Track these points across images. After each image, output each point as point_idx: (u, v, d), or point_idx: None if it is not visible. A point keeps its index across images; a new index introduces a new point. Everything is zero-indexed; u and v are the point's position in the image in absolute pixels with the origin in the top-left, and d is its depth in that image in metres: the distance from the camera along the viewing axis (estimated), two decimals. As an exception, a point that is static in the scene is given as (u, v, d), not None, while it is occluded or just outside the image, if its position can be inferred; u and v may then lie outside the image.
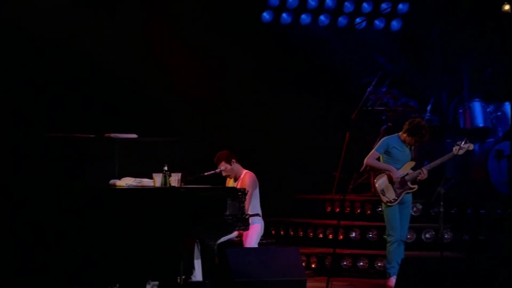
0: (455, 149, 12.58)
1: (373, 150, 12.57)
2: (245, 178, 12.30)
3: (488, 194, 15.09)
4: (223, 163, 12.32)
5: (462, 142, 12.57)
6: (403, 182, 12.39)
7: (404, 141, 12.50)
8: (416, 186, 12.44)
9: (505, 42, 16.56)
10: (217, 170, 12.36)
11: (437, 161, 12.58)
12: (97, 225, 11.15)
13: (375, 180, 12.53)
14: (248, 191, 11.78)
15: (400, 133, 12.55)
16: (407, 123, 12.55)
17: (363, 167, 12.94)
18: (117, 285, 11.40)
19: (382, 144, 12.56)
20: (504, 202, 14.72)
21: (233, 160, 12.35)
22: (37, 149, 12.17)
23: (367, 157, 12.57)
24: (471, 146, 12.65)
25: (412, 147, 12.59)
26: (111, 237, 11.15)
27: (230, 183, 12.42)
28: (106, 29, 15.06)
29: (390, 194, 12.39)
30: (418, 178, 12.40)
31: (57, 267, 11.42)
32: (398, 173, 12.38)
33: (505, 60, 16.22)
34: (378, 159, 12.56)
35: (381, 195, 12.41)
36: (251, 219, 11.77)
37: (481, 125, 15.88)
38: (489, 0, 16.65)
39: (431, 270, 11.00)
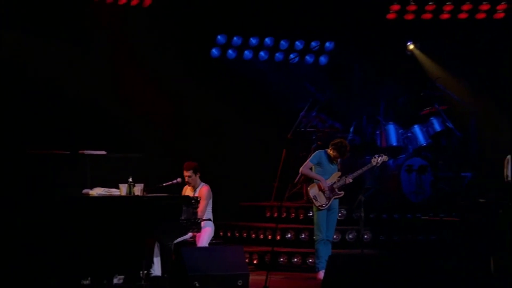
0: (373, 160, 12.77)
1: (307, 161, 12.68)
2: (202, 190, 12.26)
3: (400, 201, 15.20)
4: (191, 171, 12.27)
5: (378, 156, 12.78)
6: (332, 189, 12.51)
7: (330, 156, 12.64)
8: (343, 192, 12.56)
9: (412, 75, 16.86)
10: (174, 181, 12.33)
11: (359, 171, 12.74)
12: (72, 227, 11.04)
13: (308, 189, 12.63)
14: (201, 200, 11.81)
15: (327, 149, 12.69)
16: (332, 142, 12.69)
17: (297, 177, 13.00)
18: (89, 278, 11.30)
19: (315, 156, 12.68)
20: (413, 208, 14.87)
21: (198, 172, 12.34)
22: (22, 163, 12.06)
23: (302, 166, 12.68)
24: (386, 158, 12.84)
25: (338, 161, 12.73)
26: (84, 237, 11.05)
27: (186, 191, 12.38)
28: (79, 61, 14.99)
29: (322, 200, 12.48)
30: (345, 183, 12.54)
31: (37, 263, 11.28)
32: (326, 183, 12.51)
33: (413, 91, 16.46)
34: (311, 169, 12.67)
35: (314, 201, 12.50)
36: (203, 223, 11.79)
37: (394, 144, 15.98)
38: (397, 41, 16.87)
39: (353, 265, 11.05)
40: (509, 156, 13.36)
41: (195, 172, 12.24)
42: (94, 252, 11.22)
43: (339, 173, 12.62)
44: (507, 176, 13.31)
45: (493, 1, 16.63)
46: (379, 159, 12.76)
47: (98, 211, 11.06)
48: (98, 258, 11.30)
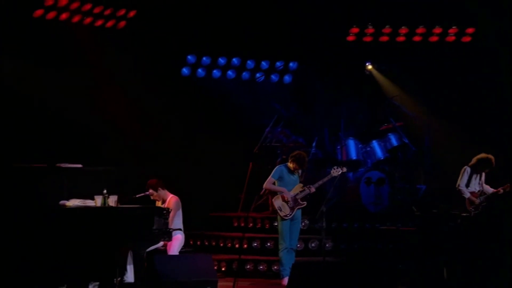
0: (333, 171, 12.81)
1: (269, 177, 12.66)
2: (171, 201, 12.22)
3: (360, 212, 15.24)
4: (151, 190, 12.25)
5: (338, 167, 12.82)
6: (295, 200, 12.51)
7: (291, 169, 12.65)
8: (305, 203, 12.58)
9: (370, 94, 16.96)
10: (147, 193, 12.28)
11: (320, 182, 12.77)
12: (49, 237, 10.95)
13: (273, 200, 12.62)
14: (172, 211, 11.76)
15: (288, 163, 12.70)
16: (291, 155, 12.71)
17: (262, 190, 13.00)
18: (65, 285, 11.20)
19: (276, 171, 12.68)
20: (372, 218, 14.91)
21: (159, 188, 12.28)
22: (1, 176, 11.96)
23: (265, 182, 12.66)
24: (345, 169, 12.89)
25: (299, 173, 12.72)
26: (61, 246, 10.96)
27: (158, 203, 12.35)
28: (57, 79, 14.92)
29: (286, 210, 12.48)
30: (310, 192, 12.54)
31: (14, 272, 11.16)
32: (289, 194, 12.52)
33: (372, 109, 16.55)
34: (274, 183, 12.66)
35: (279, 211, 12.49)
36: (174, 232, 11.73)
37: (354, 157, 16.05)
38: (357, 61, 16.97)
39: (316, 272, 11.07)
40: (467, 168, 13.43)
41: (155, 189, 12.21)
42: (70, 260, 11.11)
43: (301, 185, 12.64)
44: (458, 185, 13.40)
45: (445, 25, 16.81)
46: (339, 170, 12.81)
47: (74, 221, 10.96)
48: (74, 266, 11.19)
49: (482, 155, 13.44)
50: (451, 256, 12.48)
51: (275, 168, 12.76)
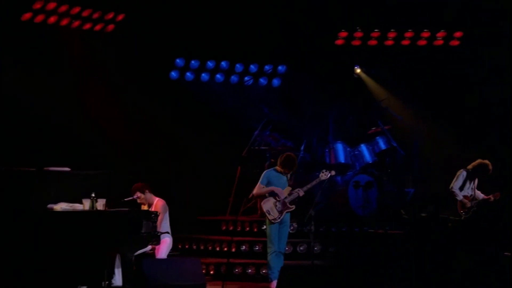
0: (322, 175, 12.81)
1: (258, 183, 12.63)
2: (158, 204, 12.22)
3: (348, 215, 15.24)
4: (137, 193, 12.25)
5: (326, 171, 12.84)
6: (284, 203, 12.52)
7: (280, 172, 12.64)
8: (294, 206, 12.57)
9: (359, 97, 17.01)
10: (135, 197, 12.27)
11: (309, 185, 12.76)
12: (37, 241, 10.94)
13: (261, 204, 12.61)
14: (160, 214, 11.76)
15: (276, 166, 12.69)
16: (280, 156, 12.70)
17: (251, 195, 12.98)
18: (53, 289, 11.22)
19: (264, 177, 12.65)
20: (360, 222, 14.93)
21: (146, 190, 12.28)
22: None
23: (255, 189, 12.61)
24: (333, 173, 12.89)
25: (288, 176, 12.72)
26: (49, 249, 10.95)
27: (144, 207, 12.34)
28: (45, 82, 14.91)
29: (274, 214, 12.47)
30: (299, 195, 12.55)
31: (3, 275, 11.14)
32: (279, 189, 12.49)
33: (360, 112, 16.59)
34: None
35: (267, 215, 12.48)
36: (162, 236, 11.74)
37: (342, 161, 16.05)
38: (345, 65, 17.03)
39: (304, 275, 11.10)
40: (463, 171, 13.45)
41: (142, 192, 12.21)
42: (58, 264, 11.10)
43: (290, 188, 12.63)
44: (452, 186, 13.43)
45: (433, 29, 16.89)
46: (327, 173, 12.82)
47: (62, 225, 10.96)
48: (62, 269, 11.18)
49: (482, 161, 13.44)
50: (442, 259, 12.52)
51: (263, 174, 12.73)
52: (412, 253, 13.36)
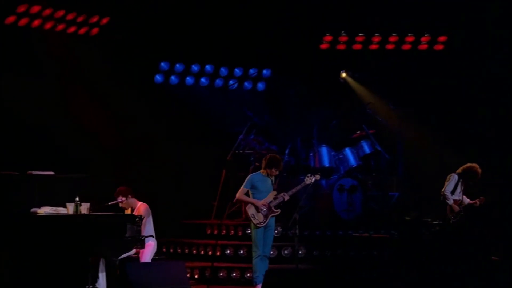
0: (307, 179, 12.82)
1: (242, 187, 12.61)
2: (141, 209, 12.22)
3: (332, 219, 15.27)
4: (120, 197, 12.24)
5: (311, 175, 12.84)
6: (269, 207, 12.52)
7: (266, 175, 12.63)
8: (279, 210, 12.57)
9: (345, 101, 17.05)
10: (119, 201, 12.27)
11: (294, 189, 12.76)
12: (21, 245, 10.92)
13: (246, 208, 12.59)
14: (143, 218, 11.77)
15: (261, 170, 12.69)
16: (263, 160, 12.70)
17: (235, 199, 12.96)
18: (37, 293, 11.19)
19: (248, 181, 12.62)
20: (344, 225, 14.97)
21: (129, 195, 12.28)
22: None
23: (238, 193, 12.60)
24: (318, 177, 12.89)
25: (273, 179, 12.72)
26: (32, 254, 10.93)
27: (128, 211, 12.34)
28: (28, 86, 14.88)
29: (259, 218, 12.46)
30: (284, 200, 12.55)
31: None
32: (260, 203, 12.49)
33: (345, 116, 16.63)
34: (248, 193, 12.64)
35: (252, 219, 12.45)
36: (146, 239, 11.74)
37: (327, 165, 16.07)
38: (331, 69, 17.07)
39: (289, 279, 11.13)
40: (455, 175, 13.50)
41: (125, 196, 12.21)
42: (42, 268, 11.08)
43: (275, 192, 12.63)
44: (445, 190, 13.47)
45: (418, 33, 16.98)
46: (312, 178, 12.84)
47: (46, 229, 10.93)
48: (46, 273, 11.16)
49: (472, 165, 13.45)
50: (428, 264, 12.56)
51: (248, 178, 12.69)
52: (397, 257, 13.41)
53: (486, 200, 13.61)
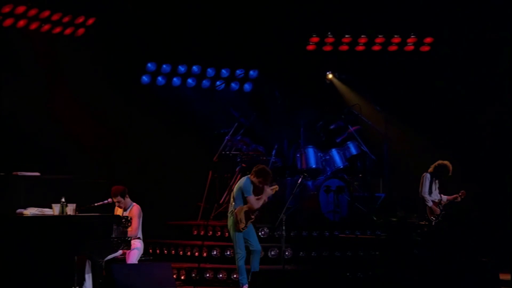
0: (267, 189, 12.58)
1: (252, 196, 12.38)
2: (133, 210, 12.18)
3: (319, 220, 15.28)
4: (119, 197, 12.19)
5: (274, 184, 12.80)
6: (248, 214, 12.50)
7: (253, 182, 12.57)
8: (254, 217, 12.53)
9: (331, 102, 17.09)
10: (105, 202, 12.23)
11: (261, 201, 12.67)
12: (6, 246, 10.89)
13: (236, 212, 12.49)
14: (133, 219, 11.75)
15: (250, 176, 12.63)
16: (254, 168, 12.65)
17: (256, 212, 12.76)
18: (22, 295, 11.15)
19: (250, 188, 12.46)
20: (331, 226, 14.99)
21: (126, 195, 12.27)
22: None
23: (254, 203, 12.35)
24: (276, 187, 12.74)
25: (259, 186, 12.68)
26: (18, 255, 10.90)
27: (117, 211, 12.32)
28: (14, 87, 14.84)
29: (244, 222, 12.42)
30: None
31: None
32: (266, 194, 12.48)
33: (331, 117, 16.66)
34: (232, 195, 12.59)
35: (239, 223, 12.38)
36: (132, 240, 11.73)
37: (313, 166, 16.09)
38: (317, 70, 17.11)
39: (275, 279, 11.14)
40: (426, 174, 13.58)
41: (122, 196, 12.18)
42: (28, 269, 11.05)
43: (277, 186, 12.65)
44: (421, 192, 13.53)
45: (404, 35, 17.04)
46: (275, 186, 12.73)
47: (32, 230, 10.90)
48: (32, 274, 11.13)
49: (441, 162, 13.61)
50: (416, 265, 12.60)
51: (247, 185, 12.49)
52: (383, 258, 13.45)
53: (466, 194, 13.71)
